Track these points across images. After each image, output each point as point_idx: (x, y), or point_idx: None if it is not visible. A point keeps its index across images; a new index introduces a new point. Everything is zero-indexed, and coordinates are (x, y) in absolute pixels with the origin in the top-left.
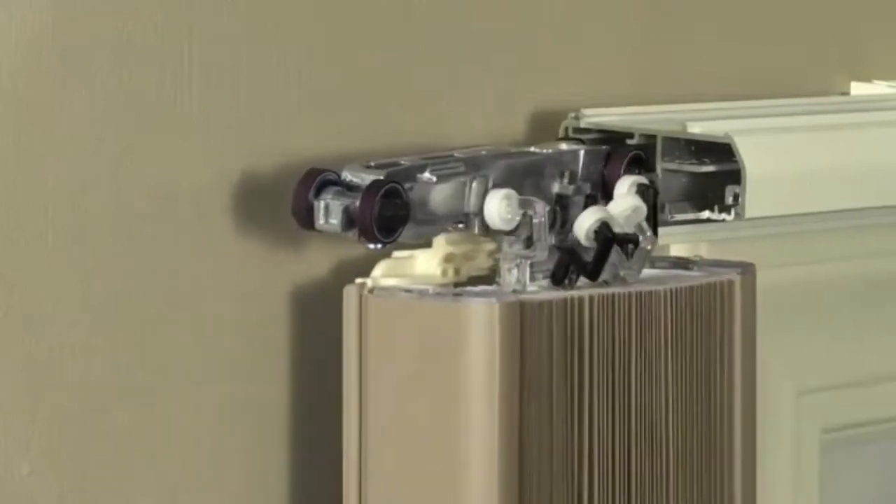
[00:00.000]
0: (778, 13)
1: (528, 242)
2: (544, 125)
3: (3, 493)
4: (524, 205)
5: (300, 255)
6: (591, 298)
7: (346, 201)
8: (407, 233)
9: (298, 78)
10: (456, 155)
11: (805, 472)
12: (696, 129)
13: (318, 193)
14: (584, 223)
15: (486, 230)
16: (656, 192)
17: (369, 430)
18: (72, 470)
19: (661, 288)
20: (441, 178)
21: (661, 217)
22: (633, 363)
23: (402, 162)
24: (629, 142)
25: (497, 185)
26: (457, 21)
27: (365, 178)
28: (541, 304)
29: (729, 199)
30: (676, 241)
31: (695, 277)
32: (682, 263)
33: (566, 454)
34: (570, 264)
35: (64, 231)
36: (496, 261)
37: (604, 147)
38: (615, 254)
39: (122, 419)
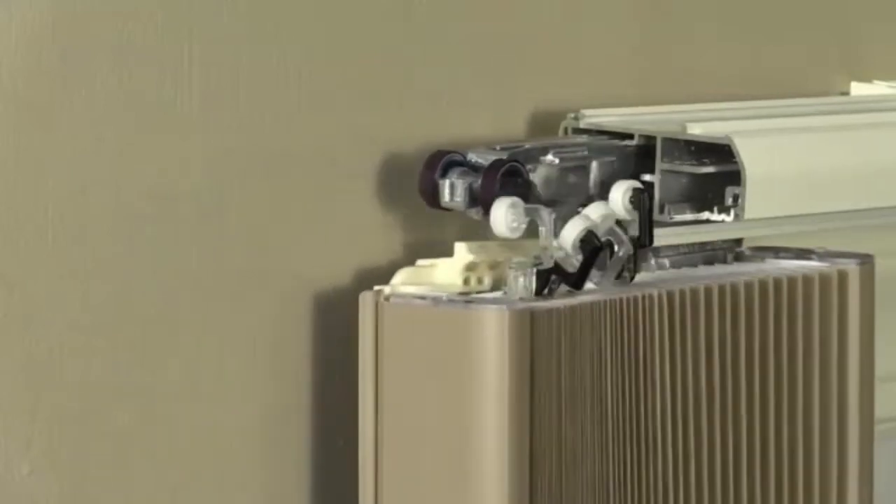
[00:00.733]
0: (778, 13)
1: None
2: (544, 125)
3: (3, 493)
4: (530, 212)
5: (301, 255)
6: (602, 304)
7: (470, 180)
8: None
9: (298, 78)
10: (579, 140)
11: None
12: (696, 129)
13: (443, 173)
14: (570, 233)
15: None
16: (651, 198)
17: (385, 434)
18: (72, 470)
19: (738, 280)
20: (563, 161)
21: (660, 218)
22: (658, 365)
23: (527, 145)
24: (629, 142)
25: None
26: (457, 21)
27: (488, 159)
28: (550, 311)
29: (729, 200)
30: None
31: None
32: (804, 255)
33: (577, 457)
34: (550, 274)
35: (64, 231)
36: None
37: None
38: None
39: (122, 419)
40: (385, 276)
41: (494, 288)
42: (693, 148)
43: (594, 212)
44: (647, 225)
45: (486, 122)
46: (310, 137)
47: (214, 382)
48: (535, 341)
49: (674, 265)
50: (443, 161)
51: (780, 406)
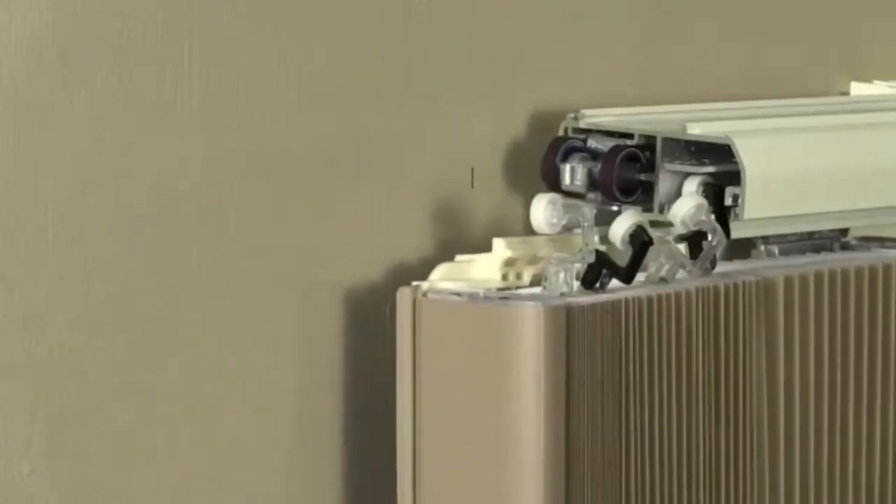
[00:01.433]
0: (778, 13)
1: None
2: (544, 125)
3: (3, 493)
4: (570, 209)
5: (301, 256)
6: (641, 300)
7: (590, 164)
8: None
9: (298, 78)
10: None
11: None
12: (696, 129)
13: (564, 158)
14: (620, 228)
15: None
16: (722, 190)
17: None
18: (72, 470)
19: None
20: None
21: (660, 217)
22: (696, 361)
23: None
24: (630, 142)
25: None
26: (457, 21)
27: (608, 145)
28: (586, 307)
29: (729, 200)
30: None
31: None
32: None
33: (615, 454)
34: (601, 268)
35: (64, 231)
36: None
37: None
38: (665, 253)
39: (122, 419)
40: (385, 275)
41: (534, 284)
42: (693, 148)
43: (681, 207)
44: (723, 216)
45: (486, 122)
46: (310, 137)
47: (214, 382)
48: (571, 337)
49: (782, 253)
50: (563, 146)
51: (886, 397)
